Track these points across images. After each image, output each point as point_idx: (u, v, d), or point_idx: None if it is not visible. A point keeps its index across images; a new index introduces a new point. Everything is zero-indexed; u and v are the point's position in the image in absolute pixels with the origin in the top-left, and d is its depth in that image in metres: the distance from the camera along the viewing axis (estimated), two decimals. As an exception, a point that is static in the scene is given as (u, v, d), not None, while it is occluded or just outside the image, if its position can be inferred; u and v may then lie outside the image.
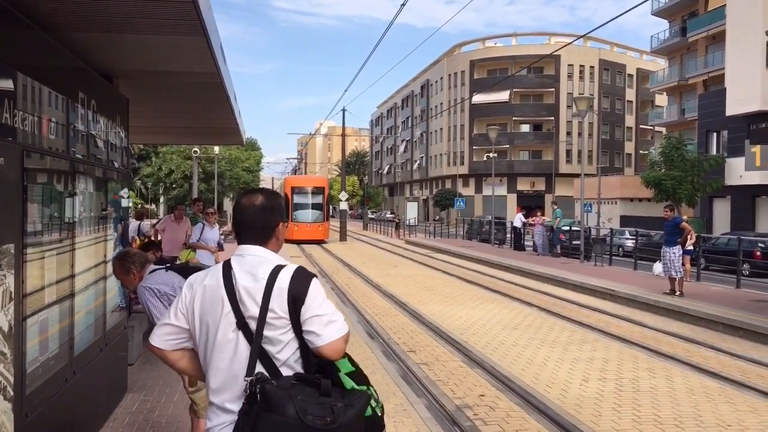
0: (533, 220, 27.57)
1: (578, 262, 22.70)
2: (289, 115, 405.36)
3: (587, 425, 6.58)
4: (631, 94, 77.99)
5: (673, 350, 10.22)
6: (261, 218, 2.58)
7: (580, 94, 65.00)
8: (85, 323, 5.18)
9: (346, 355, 2.58)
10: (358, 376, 2.53)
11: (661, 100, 61.46)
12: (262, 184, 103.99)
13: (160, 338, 2.62)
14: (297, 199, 37.78)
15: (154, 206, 61.76)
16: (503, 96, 73.41)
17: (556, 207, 26.75)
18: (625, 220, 44.11)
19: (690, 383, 8.23)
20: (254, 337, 2.43)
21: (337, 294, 15.87)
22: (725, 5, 36.86)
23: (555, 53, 63.42)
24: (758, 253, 21.49)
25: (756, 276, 19.12)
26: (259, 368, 2.41)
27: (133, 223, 13.47)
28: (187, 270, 4.79)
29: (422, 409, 6.80)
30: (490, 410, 7.03)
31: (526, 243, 29.22)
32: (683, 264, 17.06)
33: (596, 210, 41.94)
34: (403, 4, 11.37)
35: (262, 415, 2.28)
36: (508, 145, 72.63)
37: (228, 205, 59.25)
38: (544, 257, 24.91)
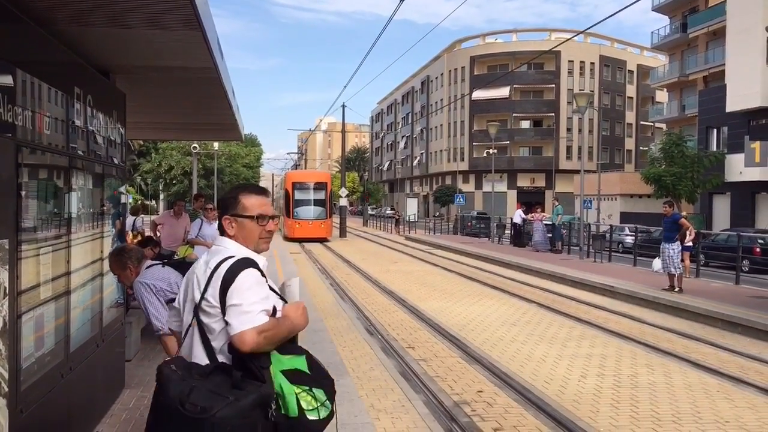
0: (533, 217, 27.53)
1: (578, 258, 22.70)
2: (289, 111, 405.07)
3: (585, 421, 6.58)
4: (631, 91, 77.89)
5: (672, 346, 10.21)
6: (220, 214, 2.80)
7: (580, 90, 64.94)
8: (82, 320, 5.17)
9: (304, 353, 2.59)
10: (307, 376, 2.51)
11: (662, 96, 61.37)
12: (262, 180, 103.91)
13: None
14: (298, 195, 35.74)
15: (154, 202, 61.77)
16: (503, 92, 73.34)
17: (557, 203, 26.72)
18: (625, 217, 44.10)
19: (688, 379, 8.22)
20: (189, 324, 2.59)
21: (336, 290, 15.85)
22: (725, 1, 36.79)
23: (555, 49, 63.34)
24: (758, 250, 21.50)
25: (755, 272, 19.13)
26: (202, 354, 2.53)
27: (128, 219, 13.55)
28: (183, 266, 4.78)
29: (420, 405, 6.79)
30: (488, 406, 7.03)
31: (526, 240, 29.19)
32: (682, 260, 17.08)
33: (596, 206, 41.91)
34: (402, 0, 11.33)
35: (156, 395, 2.41)
36: (508, 142, 72.58)
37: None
38: (543, 253, 24.89)
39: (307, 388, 2.47)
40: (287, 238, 35.20)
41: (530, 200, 65.93)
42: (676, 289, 14.41)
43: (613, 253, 23.24)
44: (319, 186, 36.32)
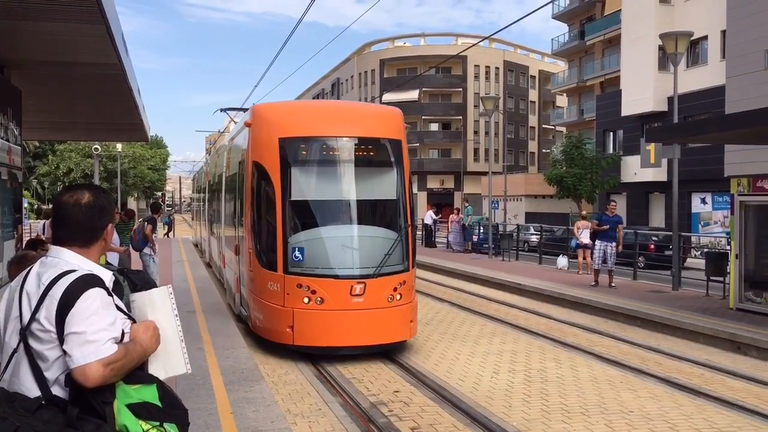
0: (451, 219, 28.01)
1: (487, 257, 23.27)
2: (196, 113, 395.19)
3: (498, 416, 6.73)
4: (534, 95, 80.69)
5: (578, 341, 10.62)
6: (87, 219, 2.35)
7: (486, 94, 66.68)
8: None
9: (155, 382, 2.30)
10: (158, 410, 2.24)
11: (562, 100, 63.93)
12: (169, 183, 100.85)
13: None
14: (307, 180, 9.57)
15: (52, 207, 58.88)
16: (413, 95, 74.30)
17: (467, 205, 27.32)
18: (530, 217, 45.62)
19: (594, 372, 8.56)
20: (12, 349, 2.23)
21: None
22: (620, 11, 38.73)
23: (462, 54, 64.77)
24: (652, 246, 22.71)
25: (651, 268, 20.19)
26: (32, 385, 2.19)
27: (42, 223, 13.14)
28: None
29: (337, 408, 6.76)
30: (404, 406, 7.07)
31: (437, 240, 29.68)
32: (584, 258, 17.90)
33: (503, 207, 43.17)
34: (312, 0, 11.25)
35: None
36: (417, 144, 73.57)
37: (132, 205, 57.15)
38: (454, 253, 25.37)
39: (157, 423, 2.19)
40: (261, 336, 9.64)
41: (440, 201, 67.16)
42: (614, 285, 15.12)
43: (519, 252, 23.96)
44: (375, 148, 9.95)
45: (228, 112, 19.07)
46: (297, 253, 8.86)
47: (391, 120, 10.09)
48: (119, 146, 43.67)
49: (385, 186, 9.70)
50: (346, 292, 8.68)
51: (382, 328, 8.94)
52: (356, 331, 8.81)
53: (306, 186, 9.39)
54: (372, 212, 9.69)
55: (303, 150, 9.40)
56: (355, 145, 9.50)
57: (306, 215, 9.31)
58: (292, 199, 9.09)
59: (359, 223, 9.24)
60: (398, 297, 9.04)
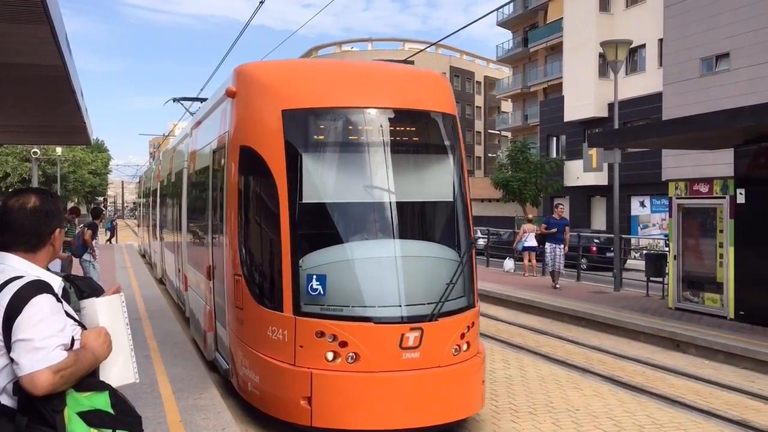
0: None
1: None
2: (139, 116, 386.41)
3: (450, 418, 6.79)
4: (479, 100, 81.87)
5: (525, 341, 10.82)
6: (32, 223, 2.32)
7: (433, 99, 67.30)
8: None
9: (107, 389, 2.27)
10: (110, 417, 2.21)
11: (507, 106, 65.08)
12: (111, 188, 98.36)
13: None
14: (323, 170, 6.41)
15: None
16: (360, 99, 74.42)
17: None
18: (477, 220, 46.13)
19: (541, 371, 8.74)
20: None
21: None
22: (562, 18, 39.70)
23: (409, 59, 65.28)
24: (594, 249, 23.32)
25: (593, 269, 20.74)
26: None
27: None
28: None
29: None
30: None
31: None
32: (530, 260, 18.27)
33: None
34: (261, 2, 11.16)
35: None
36: (365, 148, 73.76)
37: (71, 211, 55.52)
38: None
39: (110, 431, 2.18)
40: (255, 406, 6.45)
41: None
42: (558, 287, 15.43)
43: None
44: (426, 128, 6.86)
45: (182, 102, 17.07)
46: (315, 283, 5.80)
47: (441, 87, 7.09)
48: (59, 150, 42.42)
49: (439, 181, 6.65)
50: (394, 344, 5.70)
51: (445, 396, 5.86)
52: (409, 403, 5.66)
53: (325, 181, 6.38)
54: (422, 221, 6.79)
55: (319, 128, 6.37)
56: (396, 120, 6.47)
57: (326, 225, 6.25)
58: (305, 201, 6.13)
59: (405, 236, 6.23)
60: (465, 347, 6.09)
